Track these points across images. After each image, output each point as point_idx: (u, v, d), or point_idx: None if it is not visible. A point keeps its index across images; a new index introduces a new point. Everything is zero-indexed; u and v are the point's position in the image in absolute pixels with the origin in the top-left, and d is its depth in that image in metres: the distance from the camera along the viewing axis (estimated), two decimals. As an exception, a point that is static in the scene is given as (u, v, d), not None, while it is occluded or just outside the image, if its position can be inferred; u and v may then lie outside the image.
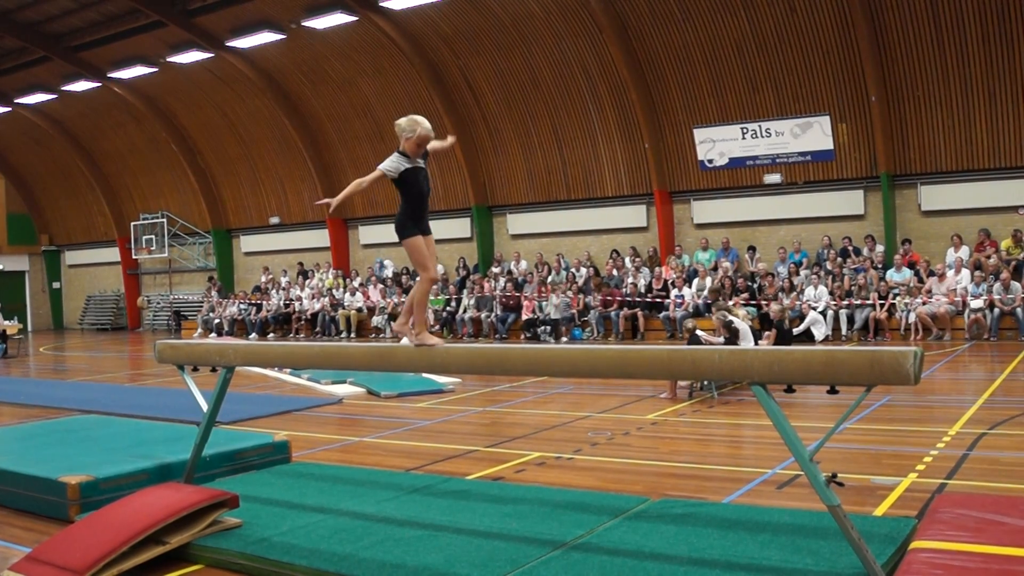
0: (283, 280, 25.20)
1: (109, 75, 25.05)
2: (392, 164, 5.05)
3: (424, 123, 5.05)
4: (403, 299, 21.21)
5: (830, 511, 3.88)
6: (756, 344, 10.69)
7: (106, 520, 4.85)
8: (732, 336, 10.32)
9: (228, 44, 22.48)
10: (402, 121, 5.10)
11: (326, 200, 5.22)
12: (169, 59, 23.37)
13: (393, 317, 20.98)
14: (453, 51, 21.10)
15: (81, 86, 25.83)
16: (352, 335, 21.71)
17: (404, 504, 5.52)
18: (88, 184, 30.44)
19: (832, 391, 9.89)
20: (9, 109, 28.43)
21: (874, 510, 5.25)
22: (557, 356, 4.79)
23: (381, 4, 19.56)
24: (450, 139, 5.78)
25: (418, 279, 5.23)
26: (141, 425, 8.17)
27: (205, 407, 5.82)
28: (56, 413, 10.25)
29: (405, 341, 5.25)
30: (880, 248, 17.53)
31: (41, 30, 24.30)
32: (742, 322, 10.87)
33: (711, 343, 10.24)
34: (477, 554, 4.48)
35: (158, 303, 29.83)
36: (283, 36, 21.74)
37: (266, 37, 21.75)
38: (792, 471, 6.27)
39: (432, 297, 21.06)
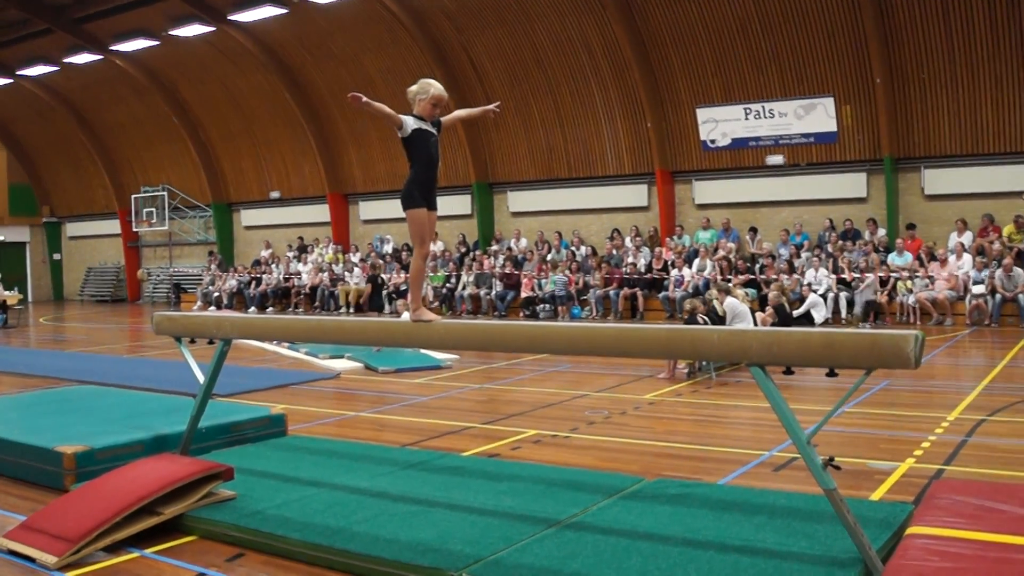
0: (288, 255, 25.12)
1: (111, 48, 24.88)
2: (408, 117, 5.07)
3: (436, 83, 5.14)
4: (403, 275, 21.18)
5: (826, 495, 3.86)
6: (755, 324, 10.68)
7: (101, 490, 4.86)
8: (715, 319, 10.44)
9: (230, 18, 22.29)
10: (412, 87, 5.16)
11: (360, 94, 4.95)
12: (171, 32, 23.19)
13: (395, 292, 20.95)
14: (456, 27, 20.94)
15: (83, 58, 25.66)
16: (351, 310, 21.69)
17: (399, 479, 5.52)
18: (89, 156, 30.33)
19: (831, 374, 9.89)
20: (11, 81, 28.26)
21: (871, 495, 5.24)
22: (555, 334, 4.76)
23: (385, -22, 19.43)
24: (493, 105, 5.72)
25: (413, 255, 5.18)
26: (138, 396, 8.17)
27: (202, 379, 5.81)
28: (54, 383, 10.26)
29: (405, 316, 5.23)
30: (882, 231, 17.46)
31: (44, 2, 24.06)
32: (741, 303, 10.85)
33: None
34: (471, 530, 4.48)
35: (158, 276, 29.80)
36: (286, 10, 21.53)
37: (269, 11, 21.54)
38: (789, 454, 6.26)
39: (432, 273, 21.03)
